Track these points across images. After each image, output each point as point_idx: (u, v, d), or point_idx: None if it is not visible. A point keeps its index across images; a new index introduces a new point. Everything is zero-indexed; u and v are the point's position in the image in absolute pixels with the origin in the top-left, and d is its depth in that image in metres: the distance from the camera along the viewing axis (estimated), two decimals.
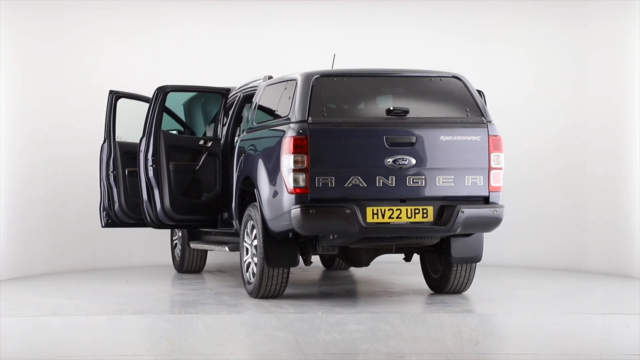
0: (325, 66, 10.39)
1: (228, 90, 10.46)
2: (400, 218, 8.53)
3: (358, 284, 10.67)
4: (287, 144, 8.47)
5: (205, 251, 11.49)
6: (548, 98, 12.63)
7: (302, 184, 8.41)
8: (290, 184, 8.43)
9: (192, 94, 10.84)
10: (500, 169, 8.76)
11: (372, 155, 8.52)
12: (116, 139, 10.67)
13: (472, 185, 8.67)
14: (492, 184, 8.73)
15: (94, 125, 12.30)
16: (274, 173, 8.73)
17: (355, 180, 8.48)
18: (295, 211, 8.38)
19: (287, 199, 8.48)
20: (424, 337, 7.50)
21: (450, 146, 8.64)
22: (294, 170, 8.41)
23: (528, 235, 12.58)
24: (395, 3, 13.02)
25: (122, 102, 10.73)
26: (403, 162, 8.53)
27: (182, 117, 11.05)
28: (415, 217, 8.55)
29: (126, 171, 10.60)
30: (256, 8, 13.05)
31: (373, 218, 8.49)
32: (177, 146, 10.11)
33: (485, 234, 12.18)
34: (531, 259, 12.53)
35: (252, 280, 9.19)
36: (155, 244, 12.65)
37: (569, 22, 12.44)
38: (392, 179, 8.52)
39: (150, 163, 9.93)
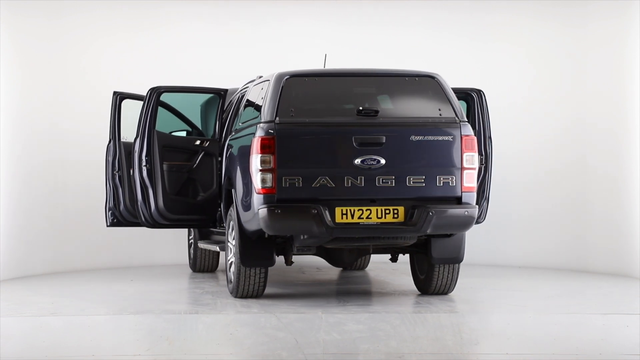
0: (321, 66, 10.39)
1: (226, 91, 10.49)
2: (370, 218, 8.51)
3: (359, 285, 10.67)
4: (255, 144, 8.52)
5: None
6: (548, 98, 12.63)
7: (269, 184, 8.44)
8: (258, 184, 8.47)
9: (209, 95, 10.87)
10: (473, 169, 8.68)
11: (340, 155, 8.52)
12: (121, 140, 10.73)
13: (444, 185, 8.60)
14: (465, 184, 8.64)
15: (95, 125, 12.34)
16: (245, 173, 8.80)
17: (323, 181, 8.47)
18: (262, 211, 8.42)
19: (256, 199, 8.52)
20: (424, 337, 7.49)
21: (421, 146, 8.58)
22: (261, 170, 8.45)
23: (528, 235, 12.58)
24: (395, 3, 13.02)
25: (126, 103, 10.76)
26: (372, 162, 8.50)
27: (199, 117, 11.10)
28: (385, 218, 8.52)
29: (131, 171, 10.65)
30: (257, 8, 13.05)
31: (342, 218, 8.49)
32: (171, 146, 10.19)
33: (486, 234, 12.27)
34: (531, 258, 12.53)
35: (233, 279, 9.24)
36: (158, 243, 12.67)
37: (569, 22, 12.45)
38: (361, 179, 8.50)
39: (144, 163, 10.02)
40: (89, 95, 12.47)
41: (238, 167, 9.07)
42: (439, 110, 8.76)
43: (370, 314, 8.21)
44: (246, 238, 8.92)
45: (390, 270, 11.79)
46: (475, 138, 8.74)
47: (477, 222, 10.23)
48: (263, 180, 8.44)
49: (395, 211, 8.54)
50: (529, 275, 11.50)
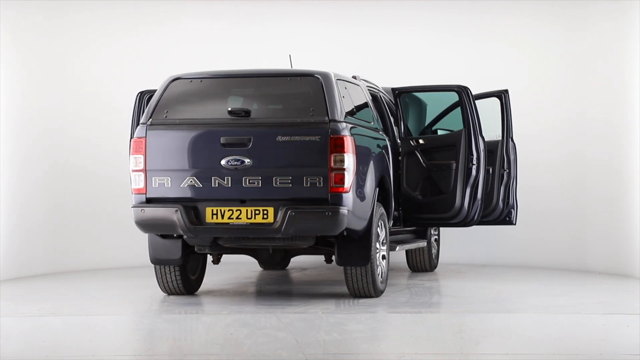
0: (321, 66, 10.37)
1: None
2: (240, 219, 8.52)
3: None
4: (131, 145, 8.75)
5: None
6: (548, 98, 12.63)
7: (141, 184, 8.65)
8: (132, 183, 8.70)
9: None
10: (342, 169, 8.45)
11: (207, 155, 8.56)
12: None
13: (311, 186, 8.45)
14: (333, 185, 8.46)
15: (96, 125, 12.35)
16: None
17: (191, 181, 8.55)
18: (133, 210, 8.67)
19: (132, 198, 8.74)
20: (424, 337, 7.49)
21: (287, 147, 8.49)
22: (134, 171, 8.68)
23: (528, 235, 12.57)
24: (396, 4, 13.02)
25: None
26: (236, 162, 8.50)
27: None
28: (255, 218, 8.51)
29: None
30: (259, 7, 13.04)
31: (212, 218, 8.55)
32: None
33: (488, 233, 12.26)
34: (531, 258, 12.53)
35: None
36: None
37: (570, 23, 12.44)
38: (228, 179, 8.51)
39: None
40: (90, 97, 12.47)
41: None
42: (312, 110, 8.67)
43: (370, 314, 8.20)
44: (154, 236, 9.08)
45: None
46: (346, 137, 8.49)
47: (510, 224, 10.22)
48: (136, 180, 8.67)
49: (265, 212, 8.51)
50: (529, 275, 11.50)
